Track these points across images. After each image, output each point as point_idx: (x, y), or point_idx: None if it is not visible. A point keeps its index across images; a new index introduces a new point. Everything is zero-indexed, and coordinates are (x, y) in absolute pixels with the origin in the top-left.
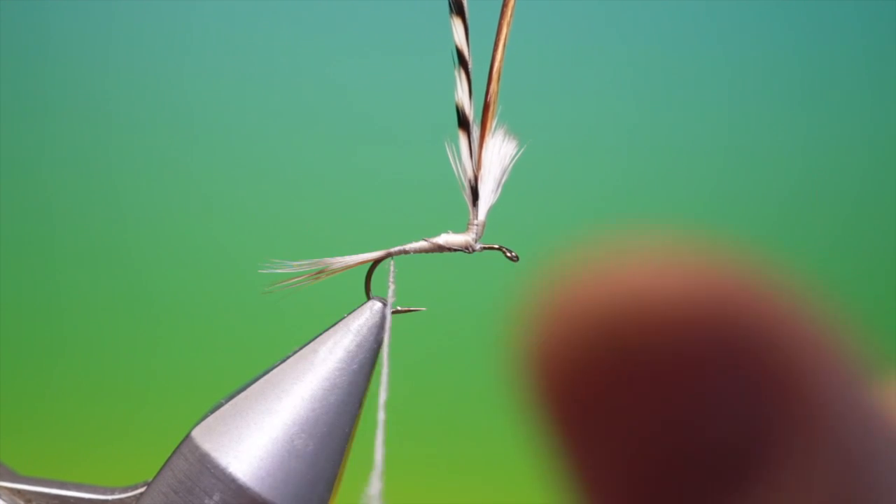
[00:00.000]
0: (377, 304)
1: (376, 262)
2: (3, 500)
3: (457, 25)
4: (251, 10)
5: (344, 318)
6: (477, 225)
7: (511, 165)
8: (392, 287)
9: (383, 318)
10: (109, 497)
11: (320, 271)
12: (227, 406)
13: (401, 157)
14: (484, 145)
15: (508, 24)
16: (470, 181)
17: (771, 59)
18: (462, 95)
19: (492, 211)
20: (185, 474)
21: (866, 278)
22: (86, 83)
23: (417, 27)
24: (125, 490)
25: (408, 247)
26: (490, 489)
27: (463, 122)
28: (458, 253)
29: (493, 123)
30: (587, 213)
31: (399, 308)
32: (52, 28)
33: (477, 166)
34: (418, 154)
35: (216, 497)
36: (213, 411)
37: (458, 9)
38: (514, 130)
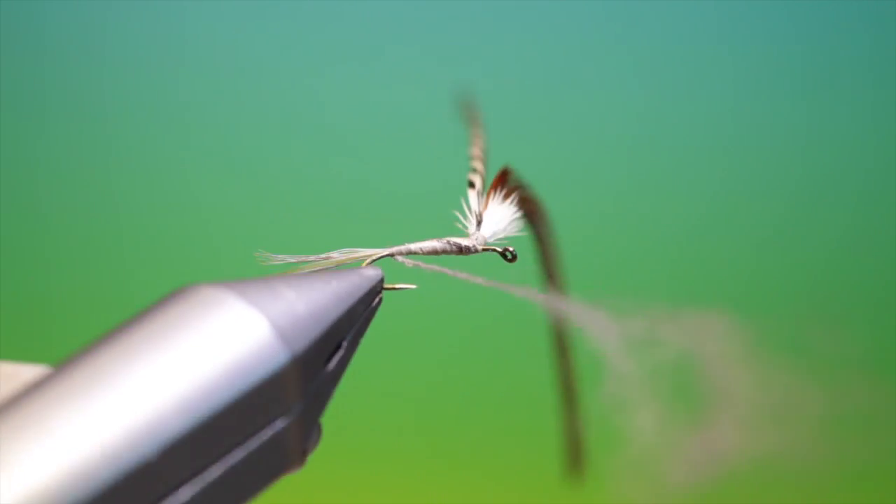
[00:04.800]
0: (376, 269)
1: (376, 258)
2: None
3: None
4: (256, 9)
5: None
6: (479, 234)
7: (509, 231)
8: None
9: (376, 287)
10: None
11: (317, 263)
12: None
13: (402, 160)
14: (491, 198)
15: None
16: (476, 214)
17: (775, 57)
18: (474, 177)
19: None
20: None
21: (868, 278)
22: (79, 80)
23: (426, 26)
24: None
25: (413, 246)
26: (492, 489)
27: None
28: (451, 257)
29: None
30: (588, 214)
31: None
32: (47, 25)
33: (483, 207)
34: (420, 157)
35: None
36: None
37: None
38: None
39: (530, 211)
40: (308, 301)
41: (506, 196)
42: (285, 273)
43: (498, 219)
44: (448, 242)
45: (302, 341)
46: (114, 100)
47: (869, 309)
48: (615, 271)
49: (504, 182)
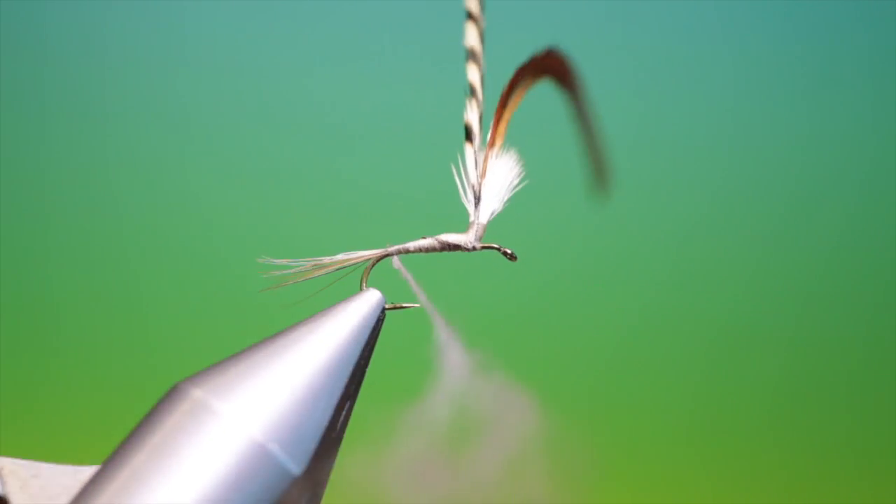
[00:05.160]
0: (375, 295)
1: (374, 261)
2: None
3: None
4: (256, 9)
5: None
6: (478, 225)
7: (513, 189)
8: (411, 282)
9: (380, 310)
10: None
11: (314, 268)
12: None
13: (397, 161)
14: (489, 159)
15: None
16: (473, 186)
17: (777, 56)
18: (471, 117)
19: (494, 220)
20: None
21: (869, 277)
22: (79, 80)
23: (425, 26)
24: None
25: (410, 245)
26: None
27: (470, 137)
28: (454, 254)
29: (501, 146)
30: (588, 211)
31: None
32: (47, 25)
33: (481, 174)
34: (415, 159)
35: None
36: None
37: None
38: (521, 156)
39: (565, 82)
40: (310, 386)
41: (528, 86)
42: (282, 337)
43: (499, 188)
44: (447, 244)
45: (307, 446)
46: (114, 100)
47: (869, 309)
48: (614, 271)
49: (513, 100)
